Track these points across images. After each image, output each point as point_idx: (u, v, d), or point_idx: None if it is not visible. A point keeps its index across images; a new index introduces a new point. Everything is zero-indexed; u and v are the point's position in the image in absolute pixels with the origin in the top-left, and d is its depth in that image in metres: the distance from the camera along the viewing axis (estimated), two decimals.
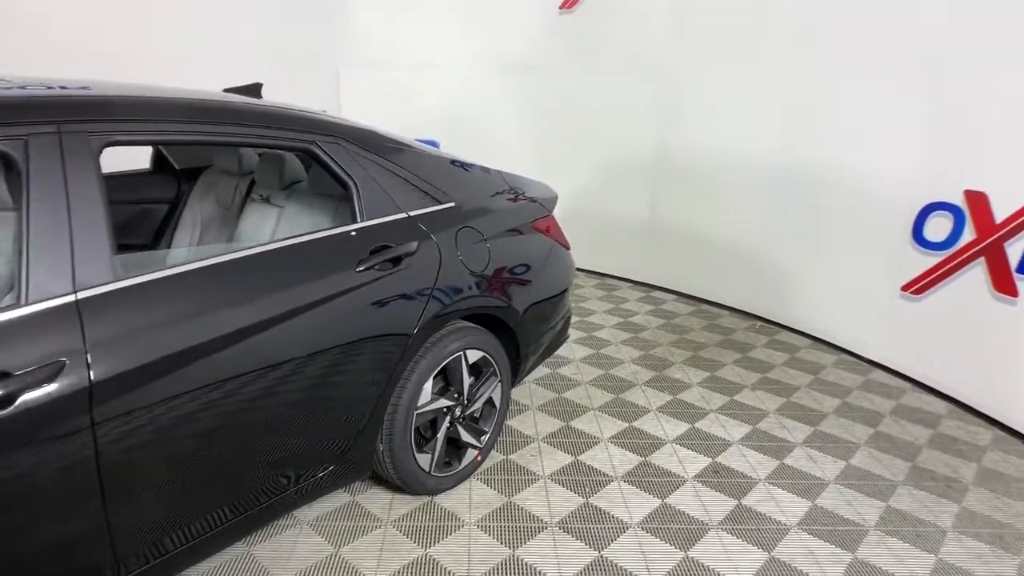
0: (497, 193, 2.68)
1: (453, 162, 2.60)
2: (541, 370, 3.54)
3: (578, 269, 3.93)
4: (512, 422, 2.99)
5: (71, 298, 1.48)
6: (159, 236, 2.92)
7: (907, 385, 3.54)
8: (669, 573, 2.11)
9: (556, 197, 2.99)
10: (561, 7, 4.99)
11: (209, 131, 1.89)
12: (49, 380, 1.40)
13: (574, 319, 4.27)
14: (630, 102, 4.78)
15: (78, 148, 1.55)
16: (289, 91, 2.91)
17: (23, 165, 1.48)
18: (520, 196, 2.78)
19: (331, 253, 2.00)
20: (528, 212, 2.74)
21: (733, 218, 4.41)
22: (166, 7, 4.71)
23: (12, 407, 1.36)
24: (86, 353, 1.46)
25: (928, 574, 2.16)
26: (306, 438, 1.99)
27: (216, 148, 2.89)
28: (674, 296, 4.85)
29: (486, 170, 2.74)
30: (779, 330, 4.26)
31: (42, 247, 1.46)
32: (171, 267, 1.68)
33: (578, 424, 3.01)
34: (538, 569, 2.11)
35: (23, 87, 1.66)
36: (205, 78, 2.75)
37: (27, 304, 1.43)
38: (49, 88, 1.68)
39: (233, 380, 1.71)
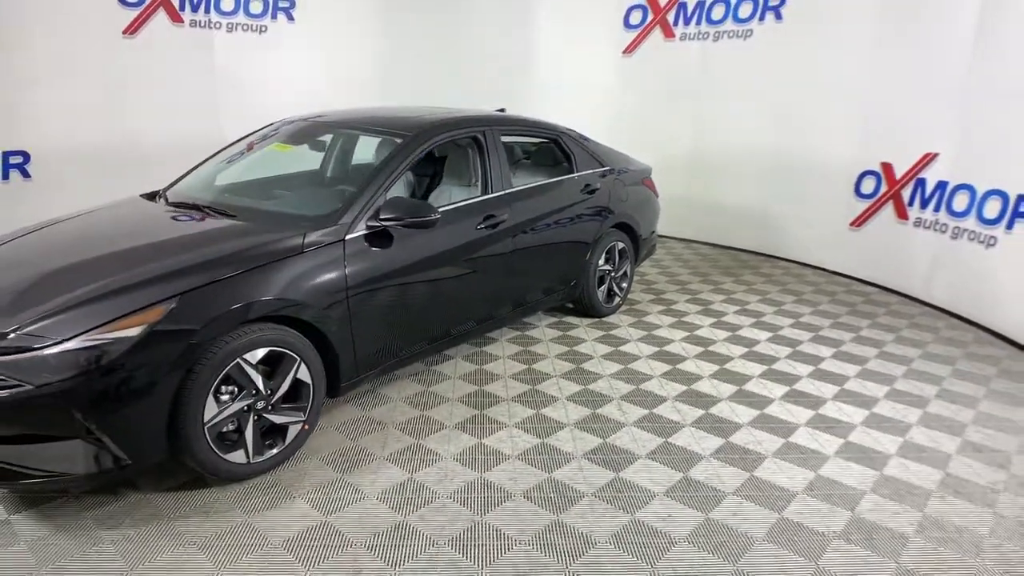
0: (625, 163, 5.01)
1: (598, 145, 4.89)
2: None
3: None
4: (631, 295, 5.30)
5: (502, 192, 3.81)
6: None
7: (854, 283, 5.87)
8: (700, 418, 4.44)
9: (651, 168, 5.32)
10: (623, 52, 7.38)
11: (522, 130, 4.27)
12: (503, 222, 3.73)
13: None
14: (673, 115, 7.13)
15: (496, 135, 3.89)
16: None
17: (484, 141, 3.82)
18: (633, 166, 5.12)
19: (572, 185, 4.35)
20: (641, 174, 5.08)
21: (743, 189, 6.75)
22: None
23: (495, 229, 3.68)
24: (509, 215, 3.79)
25: (850, 339, 4.49)
26: (559, 271, 4.32)
27: None
28: (708, 246, 7.17)
29: (611, 150, 5.02)
30: (777, 260, 6.58)
31: (492, 171, 3.80)
32: (517, 187, 4.00)
33: (658, 286, 5.33)
34: (656, 325, 4.43)
35: (468, 113, 4.01)
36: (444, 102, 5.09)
37: (488, 194, 3.76)
38: (476, 115, 4.04)
39: (538, 240, 4.04)
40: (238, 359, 2.61)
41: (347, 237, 3.01)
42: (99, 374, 2.32)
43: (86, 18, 6.03)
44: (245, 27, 6.96)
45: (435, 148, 3.67)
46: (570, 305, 4.76)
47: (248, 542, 2.41)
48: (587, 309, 4.70)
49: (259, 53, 7.05)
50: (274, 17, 7.12)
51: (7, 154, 5.72)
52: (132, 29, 6.31)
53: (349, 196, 3.15)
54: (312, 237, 2.92)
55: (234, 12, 6.86)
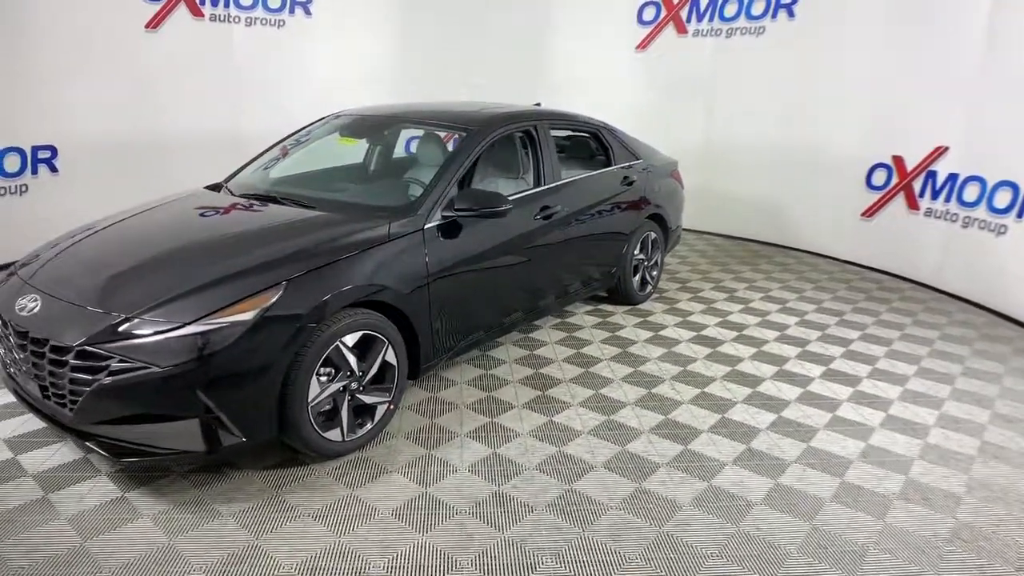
0: (654, 156, 5.21)
1: (631, 139, 5.09)
2: None
3: None
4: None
5: (553, 184, 3.99)
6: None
7: (866, 271, 6.14)
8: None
9: (677, 161, 5.52)
10: (637, 48, 7.58)
11: (567, 124, 4.45)
12: (557, 212, 3.90)
13: None
14: (686, 110, 7.34)
15: (546, 129, 4.06)
16: None
17: (535, 134, 3.98)
18: (662, 159, 5.32)
19: (613, 177, 4.54)
20: (670, 166, 5.29)
21: (756, 182, 6.99)
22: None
23: (548, 221, 3.86)
24: (560, 206, 3.96)
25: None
26: (603, 259, 4.51)
27: None
28: (722, 237, 7.41)
29: (642, 144, 5.23)
30: (789, 251, 6.84)
31: (545, 162, 3.97)
32: (564, 180, 4.17)
33: (681, 276, 5.55)
34: (688, 311, 4.65)
35: (520, 108, 4.17)
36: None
37: (541, 186, 3.94)
38: (528, 109, 4.20)
39: (586, 230, 4.22)
40: (338, 342, 2.76)
41: (425, 226, 3.17)
42: (218, 356, 2.46)
43: (109, 12, 6.06)
44: (263, 21, 7.02)
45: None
46: (603, 294, 4.95)
47: (359, 512, 2.57)
48: (622, 297, 4.89)
49: (277, 47, 7.13)
50: (292, 12, 7.20)
51: (35, 148, 5.74)
52: (155, 23, 6.35)
53: (426, 187, 3.30)
54: (395, 226, 3.08)
55: (253, 6, 6.92)
